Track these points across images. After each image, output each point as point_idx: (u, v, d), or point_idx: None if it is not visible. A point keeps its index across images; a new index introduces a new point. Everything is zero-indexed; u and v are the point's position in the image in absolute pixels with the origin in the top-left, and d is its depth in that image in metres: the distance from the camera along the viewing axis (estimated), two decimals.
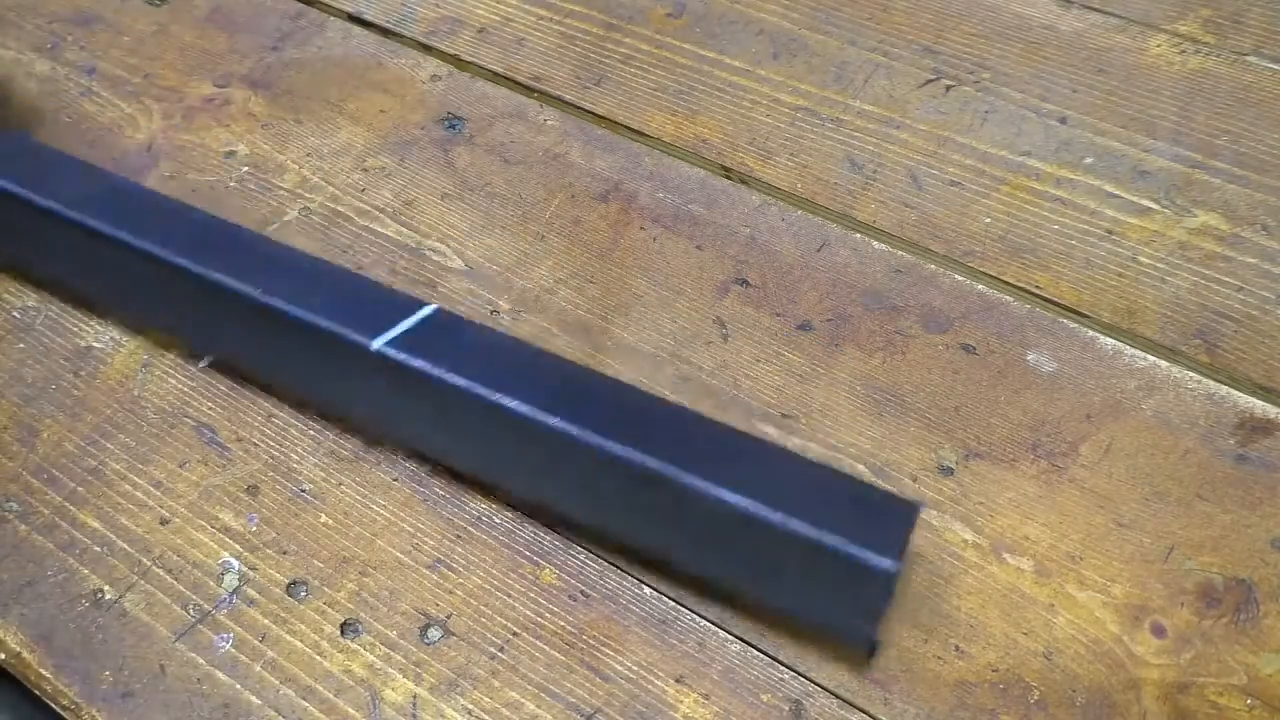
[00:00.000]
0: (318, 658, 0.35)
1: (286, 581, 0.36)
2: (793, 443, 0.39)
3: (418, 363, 0.35)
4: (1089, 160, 0.47)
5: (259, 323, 0.38)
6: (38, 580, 0.36)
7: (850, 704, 0.33)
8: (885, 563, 0.30)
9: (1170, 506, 0.37)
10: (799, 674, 0.34)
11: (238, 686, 0.34)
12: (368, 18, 0.56)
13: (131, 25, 0.56)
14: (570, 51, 0.53)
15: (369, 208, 0.47)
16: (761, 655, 0.34)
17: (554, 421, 0.33)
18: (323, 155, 0.49)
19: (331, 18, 0.56)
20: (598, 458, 0.33)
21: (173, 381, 0.41)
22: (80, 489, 0.38)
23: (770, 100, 0.50)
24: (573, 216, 0.46)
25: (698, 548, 0.34)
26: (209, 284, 0.38)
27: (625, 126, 0.50)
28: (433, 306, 0.37)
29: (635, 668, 0.34)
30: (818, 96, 0.50)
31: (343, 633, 0.35)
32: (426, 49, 0.54)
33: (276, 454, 0.39)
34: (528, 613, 0.35)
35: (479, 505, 0.38)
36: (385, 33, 0.55)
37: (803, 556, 0.31)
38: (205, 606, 0.36)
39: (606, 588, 0.36)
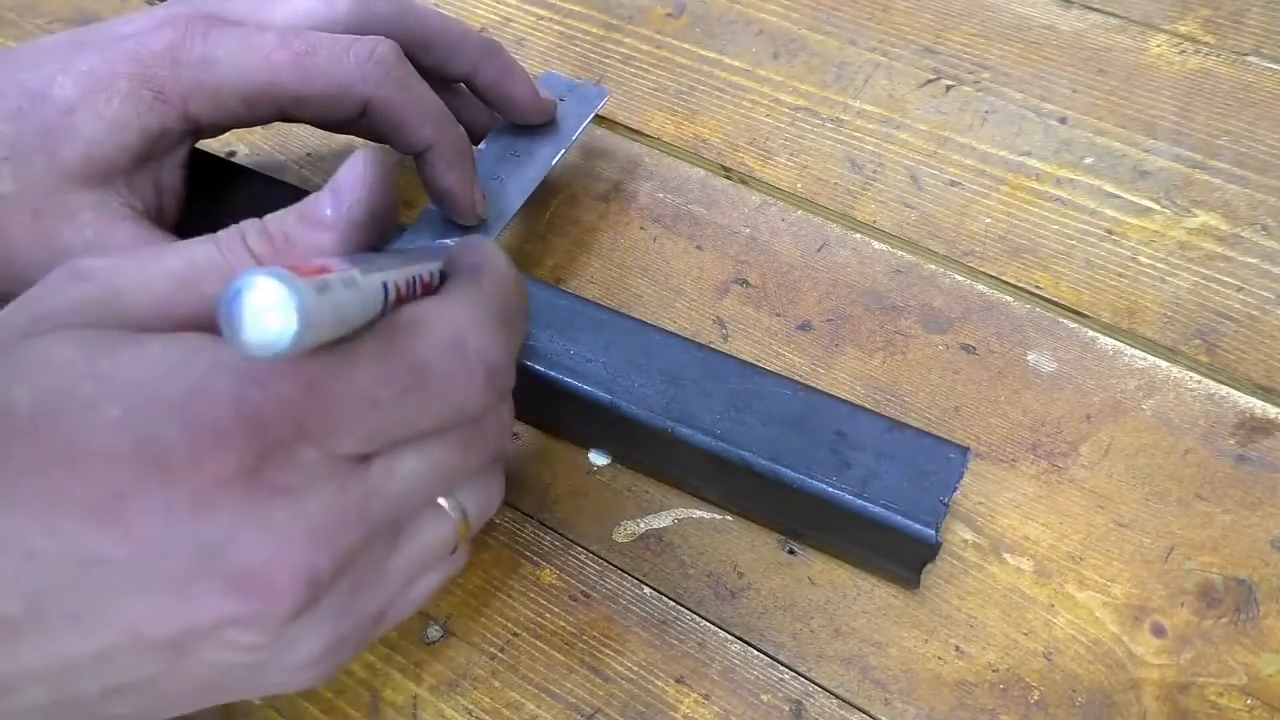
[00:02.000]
0: None
1: None
2: None
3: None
4: (1089, 160, 0.47)
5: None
6: None
7: (850, 704, 0.33)
8: (929, 533, 0.32)
9: (1170, 506, 0.37)
10: (799, 674, 0.34)
11: None
12: None
13: None
14: (570, 51, 0.53)
15: None
16: (761, 655, 0.34)
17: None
18: (323, 156, 0.49)
19: None
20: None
21: None
22: None
23: (770, 100, 0.50)
24: (573, 216, 0.46)
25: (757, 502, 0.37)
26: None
27: (625, 126, 0.50)
28: None
29: (635, 668, 0.34)
30: (818, 96, 0.50)
31: None
32: None
33: None
34: (528, 613, 0.35)
35: None
36: None
37: (850, 520, 0.34)
38: None
39: (606, 588, 0.36)
